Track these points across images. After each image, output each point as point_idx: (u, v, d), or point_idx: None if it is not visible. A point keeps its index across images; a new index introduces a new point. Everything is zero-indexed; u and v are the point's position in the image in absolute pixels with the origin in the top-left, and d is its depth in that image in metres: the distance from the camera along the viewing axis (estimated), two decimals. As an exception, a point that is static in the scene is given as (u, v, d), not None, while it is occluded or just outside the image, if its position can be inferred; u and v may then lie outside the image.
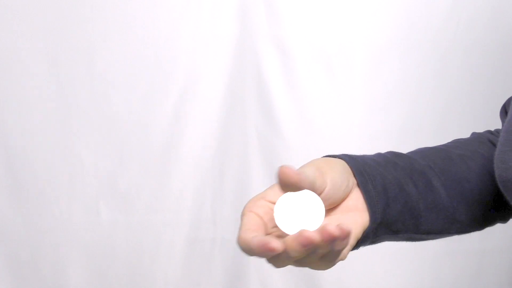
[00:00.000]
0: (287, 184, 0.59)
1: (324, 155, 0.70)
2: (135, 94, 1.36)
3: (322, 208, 0.60)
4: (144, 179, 1.37)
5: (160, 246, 1.38)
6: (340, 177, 0.66)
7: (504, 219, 0.77)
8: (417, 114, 1.34)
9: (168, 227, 1.38)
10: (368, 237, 0.68)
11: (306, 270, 1.38)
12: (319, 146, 1.34)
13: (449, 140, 1.33)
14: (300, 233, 0.57)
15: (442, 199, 0.71)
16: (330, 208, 0.66)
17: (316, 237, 0.57)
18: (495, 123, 0.85)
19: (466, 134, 1.33)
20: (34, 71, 1.36)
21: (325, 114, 1.34)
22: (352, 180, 0.67)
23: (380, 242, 0.71)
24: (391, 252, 1.36)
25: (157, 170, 1.37)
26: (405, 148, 1.33)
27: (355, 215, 0.67)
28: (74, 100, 1.36)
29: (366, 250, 1.38)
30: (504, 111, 0.82)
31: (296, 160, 1.34)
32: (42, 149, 1.37)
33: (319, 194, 0.62)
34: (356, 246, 0.69)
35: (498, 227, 0.80)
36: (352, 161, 0.69)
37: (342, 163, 0.68)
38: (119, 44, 1.34)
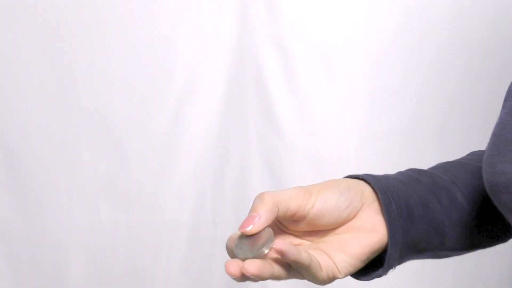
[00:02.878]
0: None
1: (348, 175, 0.71)
2: (135, 94, 1.36)
3: (268, 234, 0.62)
4: (144, 179, 1.37)
5: (160, 246, 1.38)
6: (339, 197, 0.66)
7: None
8: (418, 114, 1.34)
9: (168, 227, 1.38)
10: (394, 259, 0.68)
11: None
12: (319, 146, 1.34)
13: (449, 139, 1.33)
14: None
15: (467, 214, 0.71)
16: (335, 228, 0.67)
17: (235, 271, 0.60)
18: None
19: (467, 134, 1.34)
20: (34, 71, 1.36)
21: (325, 114, 1.34)
22: (362, 200, 0.67)
23: (405, 261, 0.71)
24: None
25: (157, 170, 1.37)
26: (406, 148, 1.33)
27: (362, 235, 0.67)
28: (74, 100, 1.36)
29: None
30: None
31: (296, 160, 1.35)
32: (42, 149, 1.37)
33: (306, 214, 0.64)
34: (383, 272, 0.69)
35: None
36: (374, 181, 0.69)
37: (353, 183, 0.68)
38: (119, 44, 1.35)
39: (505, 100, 0.70)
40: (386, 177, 0.71)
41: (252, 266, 0.60)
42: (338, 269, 0.66)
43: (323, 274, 0.64)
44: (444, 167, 0.75)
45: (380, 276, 0.70)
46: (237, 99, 1.36)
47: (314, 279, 0.64)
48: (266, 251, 0.61)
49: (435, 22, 1.31)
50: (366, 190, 0.68)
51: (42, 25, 1.34)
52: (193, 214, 1.38)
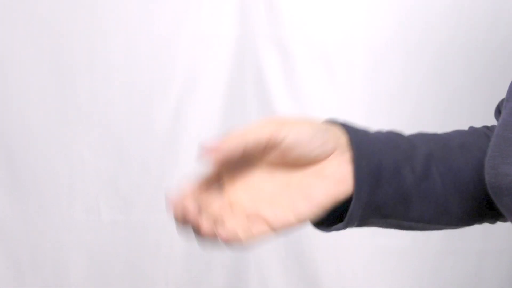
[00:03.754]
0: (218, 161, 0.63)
1: (328, 118, 0.70)
2: (135, 93, 1.36)
3: None
4: (144, 179, 1.37)
5: (160, 246, 1.38)
6: (315, 132, 0.66)
7: (493, 219, 0.76)
8: (418, 114, 1.34)
9: (168, 227, 1.38)
10: (355, 217, 0.67)
11: (307, 270, 1.38)
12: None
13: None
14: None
15: (437, 188, 0.70)
16: (302, 165, 0.66)
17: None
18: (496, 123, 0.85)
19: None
20: (34, 71, 1.36)
21: (325, 114, 1.34)
22: (334, 145, 0.67)
23: (368, 225, 0.70)
24: (391, 252, 1.36)
25: (157, 170, 1.37)
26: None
27: (329, 183, 0.66)
28: (74, 100, 1.36)
29: (366, 251, 1.38)
30: (498, 112, 0.81)
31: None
32: (42, 149, 1.37)
33: (279, 143, 0.64)
34: (343, 226, 0.68)
35: (499, 227, 0.80)
36: (352, 132, 0.68)
37: (331, 127, 0.67)
38: (119, 44, 1.35)
39: (507, 100, 0.70)
40: (365, 132, 0.70)
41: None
42: (297, 217, 0.65)
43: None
44: (424, 137, 0.74)
45: (338, 229, 0.69)
46: (237, 99, 1.36)
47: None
48: None
49: (435, 22, 1.31)
50: (342, 138, 0.67)
51: (42, 25, 1.34)
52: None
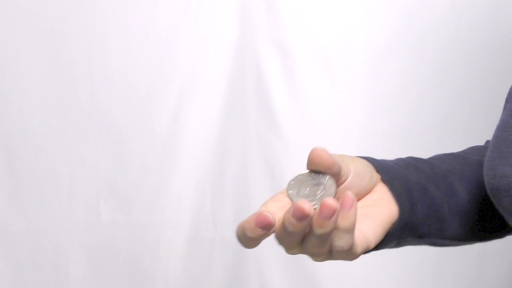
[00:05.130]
0: (318, 167, 0.60)
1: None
2: (135, 94, 1.36)
3: (334, 186, 0.61)
4: (144, 179, 1.37)
5: (160, 246, 1.38)
6: (364, 167, 0.66)
7: None
8: (418, 114, 1.34)
9: (168, 227, 1.38)
10: (394, 237, 0.68)
11: (307, 270, 1.38)
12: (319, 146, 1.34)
13: (449, 139, 1.33)
14: (295, 203, 0.57)
15: (465, 203, 0.71)
16: (358, 199, 0.66)
17: (309, 208, 0.56)
18: (497, 123, 0.85)
19: (467, 134, 1.34)
20: (34, 71, 1.36)
21: (325, 114, 1.34)
22: (376, 175, 0.68)
23: (403, 245, 0.71)
24: (391, 252, 1.36)
25: (157, 170, 1.37)
26: (406, 148, 1.33)
27: (383, 205, 0.67)
28: (74, 100, 1.36)
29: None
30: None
31: (296, 160, 1.35)
32: (42, 149, 1.37)
33: (343, 181, 0.63)
34: (382, 245, 0.68)
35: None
36: (373, 160, 0.69)
37: (362, 159, 0.68)
38: (119, 44, 1.34)
39: (506, 101, 0.70)
40: (384, 161, 0.71)
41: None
42: (368, 238, 0.64)
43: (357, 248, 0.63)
44: (442, 158, 0.75)
45: (377, 250, 0.69)
46: (237, 99, 1.36)
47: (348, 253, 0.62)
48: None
49: (435, 22, 1.31)
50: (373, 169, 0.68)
51: (42, 25, 1.34)
52: (193, 214, 1.38)
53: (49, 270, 1.39)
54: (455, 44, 1.31)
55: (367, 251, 0.67)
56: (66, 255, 1.39)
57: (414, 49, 1.32)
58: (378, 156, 1.37)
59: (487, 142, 0.82)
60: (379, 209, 0.66)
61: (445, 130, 1.33)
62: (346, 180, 0.64)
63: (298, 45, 1.33)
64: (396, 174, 0.68)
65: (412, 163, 0.72)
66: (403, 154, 1.34)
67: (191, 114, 1.36)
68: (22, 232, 1.39)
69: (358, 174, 0.65)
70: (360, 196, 0.67)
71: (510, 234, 0.77)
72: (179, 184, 1.37)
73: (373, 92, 1.34)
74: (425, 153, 1.33)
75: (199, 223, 1.38)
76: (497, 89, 1.30)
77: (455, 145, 1.32)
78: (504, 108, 0.70)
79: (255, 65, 1.34)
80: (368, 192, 0.67)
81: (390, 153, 1.34)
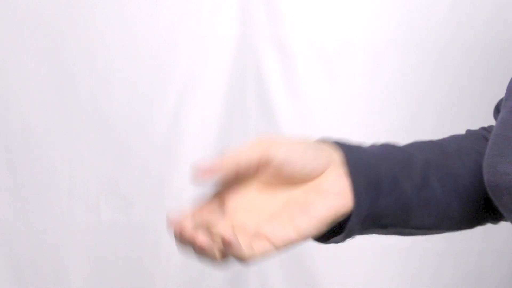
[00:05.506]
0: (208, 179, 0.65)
1: (320, 138, 0.70)
2: (135, 94, 1.36)
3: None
4: (144, 179, 1.37)
5: (160, 246, 1.38)
6: (303, 150, 0.66)
7: (495, 220, 0.77)
8: (418, 113, 1.34)
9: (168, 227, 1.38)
10: (354, 230, 0.68)
11: (307, 270, 1.38)
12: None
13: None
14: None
15: (436, 195, 0.70)
16: (298, 182, 0.66)
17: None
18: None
19: (466, 134, 1.34)
20: (34, 71, 1.36)
21: (325, 114, 1.34)
22: (326, 160, 0.67)
23: (367, 234, 0.71)
24: (391, 252, 1.36)
25: (157, 170, 1.37)
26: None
27: (328, 197, 0.66)
28: (74, 100, 1.36)
29: (367, 251, 1.38)
30: (497, 111, 0.81)
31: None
32: (42, 149, 1.37)
33: (270, 160, 0.65)
34: (341, 239, 0.68)
35: (499, 227, 0.80)
36: (346, 149, 0.68)
37: (323, 145, 0.68)
38: (119, 44, 1.35)
39: (506, 99, 0.70)
40: (359, 147, 0.70)
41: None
42: (298, 233, 0.65)
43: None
44: (420, 146, 0.74)
45: (337, 242, 0.69)
46: (237, 99, 1.36)
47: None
48: None
49: (435, 22, 1.31)
50: (335, 154, 0.67)
51: (42, 25, 1.34)
52: (193, 214, 1.38)
53: (49, 270, 1.40)
54: (455, 44, 1.32)
55: (318, 240, 0.69)
56: (66, 255, 1.39)
57: (414, 49, 1.32)
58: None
59: (468, 131, 0.82)
60: (324, 201, 0.66)
61: (445, 130, 1.33)
62: (272, 164, 0.65)
63: (298, 45, 1.33)
64: (364, 166, 0.67)
65: (389, 151, 0.71)
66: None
67: (191, 114, 1.36)
68: (22, 232, 1.39)
69: (290, 157, 0.65)
70: (302, 177, 0.66)
71: (481, 225, 0.77)
72: (179, 184, 1.37)
73: (373, 92, 1.34)
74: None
75: (199, 223, 1.38)
76: (497, 89, 1.30)
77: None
78: (504, 105, 0.70)
79: (255, 65, 1.34)
80: (314, 174, 0.66)
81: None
